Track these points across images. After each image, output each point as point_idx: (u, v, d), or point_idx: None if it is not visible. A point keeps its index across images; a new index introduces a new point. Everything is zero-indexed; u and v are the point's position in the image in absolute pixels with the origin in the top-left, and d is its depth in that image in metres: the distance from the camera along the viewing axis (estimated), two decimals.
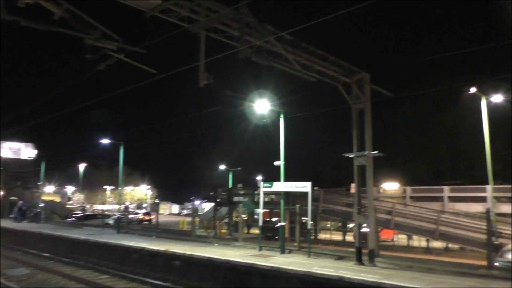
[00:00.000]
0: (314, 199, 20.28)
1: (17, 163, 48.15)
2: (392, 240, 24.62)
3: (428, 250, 20.08)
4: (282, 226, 17.01)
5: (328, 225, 29.52)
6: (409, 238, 23.19)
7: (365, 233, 15.36)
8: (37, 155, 49.43)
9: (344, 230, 27.00)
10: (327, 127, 78.67)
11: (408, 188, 28.28)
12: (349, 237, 25.51)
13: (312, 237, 21.64)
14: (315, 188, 22.13)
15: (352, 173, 14.85)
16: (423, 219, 19.64)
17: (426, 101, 38.69)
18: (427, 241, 20.65)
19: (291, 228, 22.81)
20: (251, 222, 30.18)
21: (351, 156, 14.76)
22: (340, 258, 15.03)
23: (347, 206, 22.17)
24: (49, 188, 71.94)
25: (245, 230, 27.09)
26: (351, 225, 25.16)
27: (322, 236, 27.78)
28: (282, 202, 17.30)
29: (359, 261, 13.69)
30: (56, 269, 16.29)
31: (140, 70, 10.14)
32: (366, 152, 14.33)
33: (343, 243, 24.19)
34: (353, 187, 16.58)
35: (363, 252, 13.93)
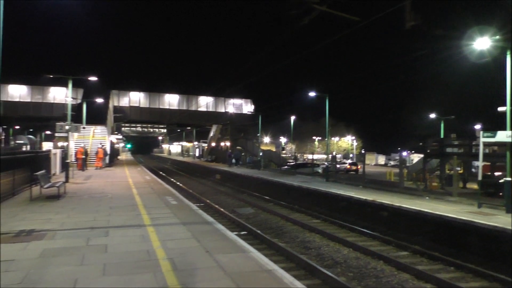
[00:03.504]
0: None
1: (240, 117, 55.26)
2: None
3: None
4: (508, 182, 14.77)
5: None
6: None
7: None
8: (254, 109, 55.62)
9: None
10: None
11: None
12: None
13: None
14: None
15: None
16: None
17: None
18: None
19: None
20: (467, 176, 27.22)
21: None
22: None
23: None
24: (266, 139, 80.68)
25: (461, 185, 24.66)
26: None
27: None
28: (508, 154, 14.93)
29: None
30: (274, 210, 18.38)
31: (342, 20, 10.06)
32: None
33: None
34: None
35: None
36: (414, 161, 40.59)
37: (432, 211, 13.35)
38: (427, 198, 17.82)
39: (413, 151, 55.86)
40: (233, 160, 43.87)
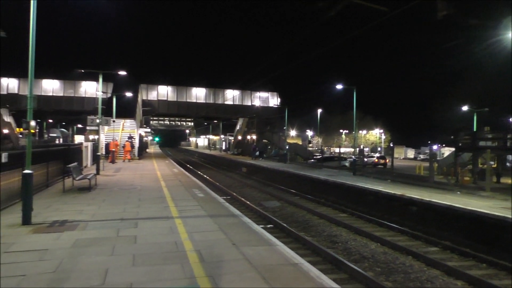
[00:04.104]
0: None
1: (266, 110, 55.23)
2: None
3: None
4: None
5: None
6: None
7: None
8: (281, 102, 55.44)
9: None
10: None
11: None
12: None
13: None
14: None
15: None
16: None
17: None
18: None
19: None
20: (502, 170, 26.29)
21: None
22: None
23: None
24: (292, 132, 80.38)
25: (494, 179, 23.85)
26: None
27: None
28: None
29: None
30: (301, 204, 18.30)
31: (370, 10, 9.86)
32: None
33: None
34: None
35: None
36: (445, 155, 39.54)
37: (464, 206, 13.00)
38: (458, 192, 17.36)
39: (444, 145, 54.46)
40: (257, 153, 44.05)
